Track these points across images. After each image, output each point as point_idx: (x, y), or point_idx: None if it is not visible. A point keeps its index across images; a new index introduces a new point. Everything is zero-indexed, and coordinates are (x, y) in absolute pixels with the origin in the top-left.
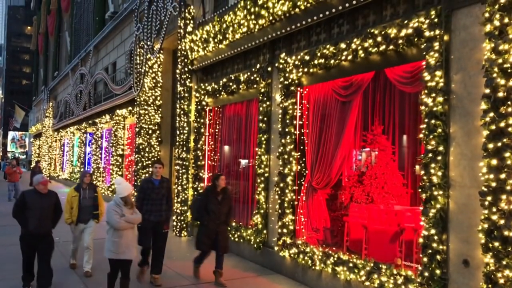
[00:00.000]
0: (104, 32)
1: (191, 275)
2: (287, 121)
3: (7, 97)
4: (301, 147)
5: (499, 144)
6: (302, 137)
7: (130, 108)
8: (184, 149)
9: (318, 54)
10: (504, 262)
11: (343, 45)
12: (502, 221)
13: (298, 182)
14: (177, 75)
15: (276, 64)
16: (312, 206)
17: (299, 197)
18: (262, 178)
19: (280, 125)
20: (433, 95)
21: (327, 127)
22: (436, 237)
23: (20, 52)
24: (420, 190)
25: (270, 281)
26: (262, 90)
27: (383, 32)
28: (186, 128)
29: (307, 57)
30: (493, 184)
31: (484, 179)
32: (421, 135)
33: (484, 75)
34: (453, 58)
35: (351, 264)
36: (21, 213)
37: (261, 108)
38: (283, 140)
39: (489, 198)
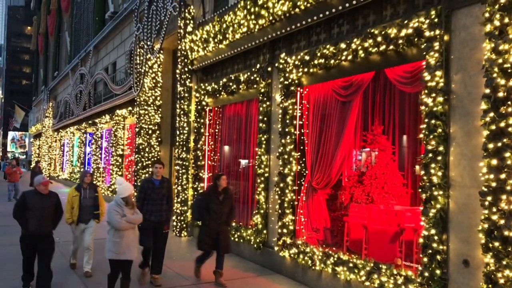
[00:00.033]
0: (104, 32)
1: (191, 275)
2: (287, 121)
3: (7, 97)
4: (301, 147)
5: (499, 144)
6: (302, 137)
7: (130, 108)
8: (184, 149)
9: (318, 54)
10: (504, 262)
11: (343, 45)
12: (502, 221)
13: (298, 182)
14: (177, 75)
15: (276, 64)
16: (312, 206)
17: (299, 197)
18: (262, 178)
19: (280, 125)
20: (433, 95)
21: (327, 127)
22: (436, 237)
23: (20, 52)
24: (420, 190)
25: (270, 281)
26: (262, 90)
27: (383, 32)
28: (186, 128)
29: (307, 57)
30: (493, 184)
31: (484, 179)
32: (421, 135)
33: (484, 75)
34: (453, 58)
35: (351, 264)
36: (22, 213)
37: (261, 108)
38: (283, 140)
39: (489, 198)
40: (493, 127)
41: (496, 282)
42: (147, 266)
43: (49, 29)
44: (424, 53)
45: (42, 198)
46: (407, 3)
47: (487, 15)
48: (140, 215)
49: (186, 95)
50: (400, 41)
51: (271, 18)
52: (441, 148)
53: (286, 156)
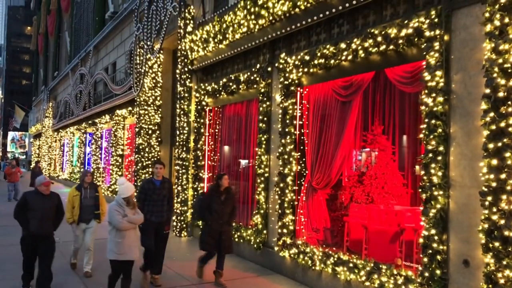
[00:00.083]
0: (104, 32)
1: (191, 275)
2: (287, 121)
3: (7, 97)
4: (301, 147)
5: (500, 144)
6: (302, 137)
7: (130, 108)
8: (184, 149)
9: (318, 54)
10: (504, 262)
11: (343, 45)
12: (502, 221)
13: (298, 182)
14: (177, 75)
15: (276, 64)
16: (312, 206)
17: (299, 197)
18: (262, 178)
19: (280, 125)
20: (433, 95)
21: (327, 127)
22: (436, 237)
23: (20, 52)
24: (420, 190)
25: (270, 281)
26: (262, 90)
27: (383, 32)
28: (186, 128)
29: (307, 57)
30: (494, 184)
31: (484, 179)
32: (421, 135)
33: (485, 75)
34: (453, 58)
35: (351, 264)
36: (23, 214)
37: (261, 108)
38: (283, 140)
39: (489, 198)
40: (493, 127)
41: (496, 282)
42: (149, 269)
43: (49, 29)
44: (424, 53)
45: (44, 199)
46: (407, 3)
47: (487, 15)
48: (141, 215)
49: (186, 95)
50: (400, 41)
51: (271, 18)
52: (441, 148)
53: (286, 156)
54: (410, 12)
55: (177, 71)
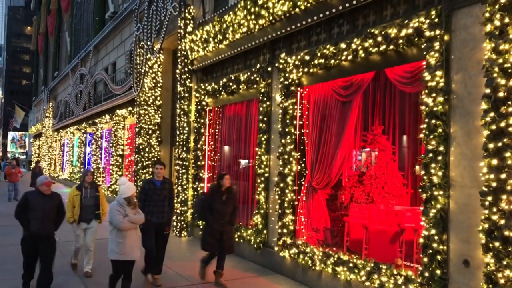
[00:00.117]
0: (104, 32)
1: (191, 275)
2: (287, 121)
3: (7, 97)
4: (301, 147)
5: (500, 144)
6: (302, 137)
7: (130, 108)
8: (184, 149)
9: (318, 54)
10: (504, 262)
11: (343, 45)
12: (502, 221)
13: (298, 182)
14: (177, 75)
15: (276, 64)
16: (312, 206)
17: (299, 197)
18: (262, 178)
19: (280, 125)
20: (434, 95)
21: (327, 127)
22: (436, 237)
23: (20, 52)
24: (420, 190)
25: (270, 281)
26: (262, 90)
27: (383, 32)
28: (186, 128)
29: (307, 57)
30: (494, 184)
31: (484, 179)
32: (421, 135)
33: (485, 75)
34: (454, 58)
35: (351, 264)
36: (23, 214)
37: (261, 108)
38: (283, 140)
39: (489, 198)
40: (494, 127)
41: (496, 282)
42: (150, 271)
43: (49, 29)
44: (424, 53)
45: (45, 199)
46: (407, 3)
47: (487, 15)
48: (142, 215)
49: (186, 95)
50: (400, 41)
51: (271, 18)
52: (441, 148)
53: (286, 156)
54: (410, 12)
55: (177, 71)
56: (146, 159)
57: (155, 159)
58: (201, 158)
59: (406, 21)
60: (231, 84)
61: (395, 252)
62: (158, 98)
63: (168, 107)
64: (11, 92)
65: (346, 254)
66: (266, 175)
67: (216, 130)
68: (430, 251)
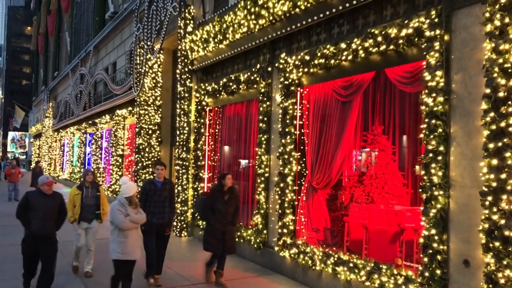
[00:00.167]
0: (104, 32)
1: (191, 275)
2: (287, 121)
3: (7, 97)
4: (301, 147)
5: (500, 144)
6: (302, 137)
7: (130, 108)
8: (184, 149)
9: (319, 54)
10: (504, 262)
11: (343, 45)
12: (502, 221)
13: (298, 182)
14: (177, 75)
15: (276, 64)
16: (312, 206)
17: (299, 197)
18: (262, 178)
19: (280, 125)
20: (434, 95)
21: (327, 127)
22: (436, 237)
23: (20, 53)
24: (420, 190)
25: (270, 281)
26: (262, 90)
27: (383, 32)
28: (186, 128)
29: (307, 57)
30: (494, 184)
31: (484, 179)
32: (421, 135)
33: (485, 75)
34: (454, 58)
35: (351, 264)
36: (25, 213)
37: (261, 108)
38: (283, 140)
39: (489, 198)
40: (494, 127)
41: (496, 282)
42: (152, 274)
43: (49, 29)
44: (425, 53)
45: (46, 199)
46: (407, 3)
47: (487, 15)
48: (143, 215)
49: (186, 95)
50: (401, 41)
51: (271, 18)
52: (441, 148)
53: (286, 156)
54: (410, 12)
55: (177, 71)
56: (146, 159)
57: (155, 159)
58: (201, 158)
59: (406, 21)
60: (231, 84)
61: (395, 252)
62: (158, 98)
63: (168, 107)
64: (11, 92)
65: (346, 254)
66: (266, 175)
67: (216, 130)
68: (430, 251)
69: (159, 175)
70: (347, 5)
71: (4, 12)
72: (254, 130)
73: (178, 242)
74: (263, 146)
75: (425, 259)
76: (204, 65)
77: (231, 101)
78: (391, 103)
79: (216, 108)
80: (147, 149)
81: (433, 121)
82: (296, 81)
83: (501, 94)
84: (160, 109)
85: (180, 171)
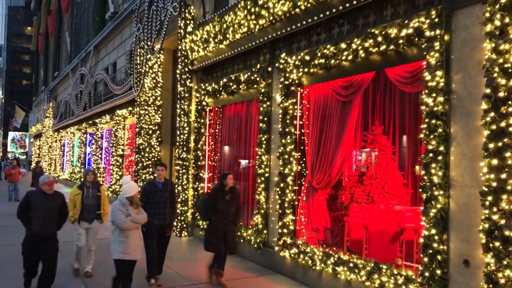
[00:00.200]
0: (104, 33)
1: (191, 275)
2: (287, 121)
3: (7, 97)
4: (302, 147)
5: (500, 144)
6: (302, 137)
7: (130, 108)
8: (184, 149)
9: (319, 54)
10: (504, 262)
11: (343, 45)
12: (502, 221)
13: (299, 182)
14: (177, 75)
15: (277, 64)
16: (312, 206)
17: (299, 197)
18: (263, 178)
19: (280, 125)
20: (434, 95)
21: (327, 127)
22: (436, 237)
23: (20, 53)
24: (420, 190)
25: (271, 281)
26: (262, 90)
27: (383, 32)
28: (186, 128)
29: (307, 57)
30: (494, 184)
31: (484, 179)
32: (421, 135)
33: (485, 75)
34: (454, 58)
35: (351, 264)
36: (25, 213)
37: (261, 108)
38: (283, 140)
39: (489, 198)
40: (494, 127)
41: (496, 282)
42: (153, 276)
43: (49, 29)
44: (425, 53)
45: (47, 198)
46: (407, 3)
47: (487, 15)
48: (145, 215)
49: (186, 95)
50: (401, 41)
51: (271, 18)
52: (441, 148)
53: (286, 156)
54: (411, 12)
55: (177, 71)
56: (147, 159)
57: (156, 159)
58: (201, 158)
59: (406, 21)
60: (231, 84)
61: (395, 252)
62: (158, 98)
63: (168, 107)
64: (11, 92)
65: (346, 254)
66: (267, 175)
67: (216, 130)
68: (430, 251)
69: (159, 176)
70: (347, 5)
71: (4, 12)
72: (254, 130)
73: (178, 242)
74: (263, 146)
75: (425, 259)
76: (204, 65)
77: (231, 101)
78: (391, 103)
79: (216, 108)
80: (147, 149)
81: (433, 121)
82: (296, 81)
83: (501, 94)
84: (160, 109)
85: (180, 171)
